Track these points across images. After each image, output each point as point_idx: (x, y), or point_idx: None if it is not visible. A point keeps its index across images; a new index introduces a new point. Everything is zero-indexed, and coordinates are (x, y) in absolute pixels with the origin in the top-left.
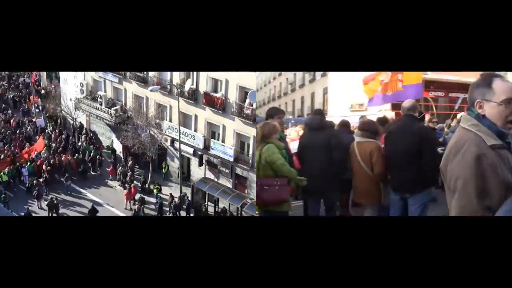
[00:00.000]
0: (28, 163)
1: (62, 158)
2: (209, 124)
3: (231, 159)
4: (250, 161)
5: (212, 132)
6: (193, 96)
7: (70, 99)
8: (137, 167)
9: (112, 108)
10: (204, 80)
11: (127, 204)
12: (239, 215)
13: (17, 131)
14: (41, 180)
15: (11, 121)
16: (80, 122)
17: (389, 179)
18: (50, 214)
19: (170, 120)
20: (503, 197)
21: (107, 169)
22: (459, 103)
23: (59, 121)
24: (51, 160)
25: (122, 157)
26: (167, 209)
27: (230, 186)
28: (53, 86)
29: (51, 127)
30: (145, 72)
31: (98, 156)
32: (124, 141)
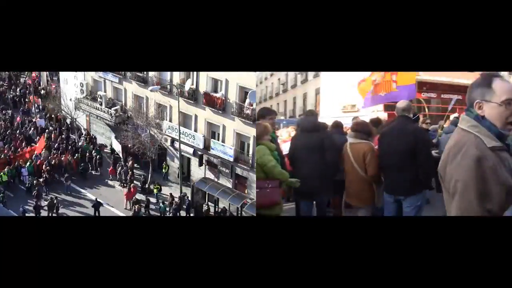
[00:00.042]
0: (28, 163)
1: (62, 158)
2: (209, 124)
3: (231, 159)
4: (250, 161)
5: (212, 132)
6: (193, 96)
7: (70, 99)
8: (137, 167)
9: (112, 108)
10: (204, 80)
11: (127, 204)
12: (239, 215)
13: (17, 131)
14: (41, 180)
15: (18, 118)
16: (71, 122)
17: (382, 180)
18: (50, 214)
19: (170, 120)
20: (503, 200)
21: (108, 169)
22: (452, 104)
23: (61, 120)
24: (51, 160)
25: (122, 157)
26: (168, 209)
27: (230, 186)
28: (53, 86)
29: (51, 127)
30: (145, 72)
31: (98, 156)
32: (124, 141)
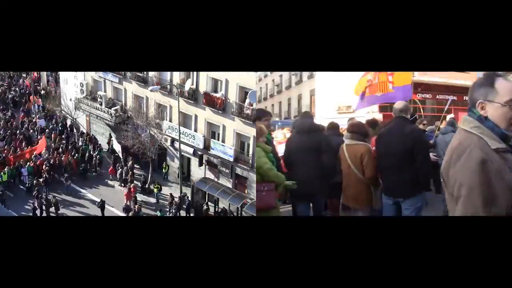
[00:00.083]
0: (28, 163)
1: (62, 158)
2: (209, 124)
3: (231, 159)
4: (250, 161)
5: (212, 132)
6: (193, 96)
7: (70, 99)
8: (137, 167)
9: (112, 108)
10: (204, 80)
11: (128, 204)
12: (239, 215)
13: (17, 131)
14: (41, 180)
15: (20, 117)
16: (71, 123)
17: (380, 182)
18: (49, 210)
19: (170, 120)
20: (510, 203)
21: (108, 168)
22: (448, 105)
23: (61, 120)
24: (51, 160)
25: (122, 157)
26: (167, 208)
27: (230, 186)
28: (53, 86)
29: (51, 127)
30: (145, 72)
31: (98, 156)
32: (124, 141)
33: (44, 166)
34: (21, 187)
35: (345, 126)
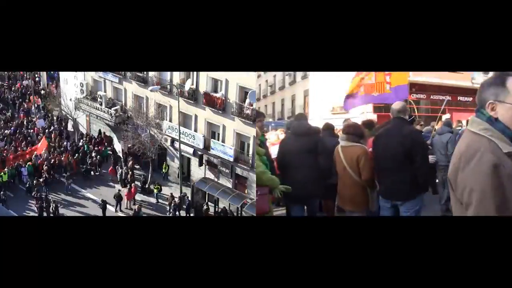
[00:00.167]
0: (27, 163)
1: (62, 158)
2: (209, 124)
3: (231, 159)
4: (250, 161)
5: (212, 132)
6: (193, 96)
7: (70, 99)
8: (137, 167)
9: (112, 108)
10: (204, 80)
11: (127, 204)
12: (239, 215)
13: (17, 131)
14: (41, 180)
15: (21, 116)
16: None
17: (376, 184)
18: (49, 211)
19: (170, 120)
20: None
21: (108, 168)
22: (444, 105)
23: (61, 121)
24: (51, 160)
25: (122, 157)
26: (167, 208)
27: (230, 186)
28: (54, 86)
29: (52, 127)
30: (145, 72)
31: (98, 156)
32: (124, 141)
33: (44, 166)
34: (21, 187)
35: (340, 127)
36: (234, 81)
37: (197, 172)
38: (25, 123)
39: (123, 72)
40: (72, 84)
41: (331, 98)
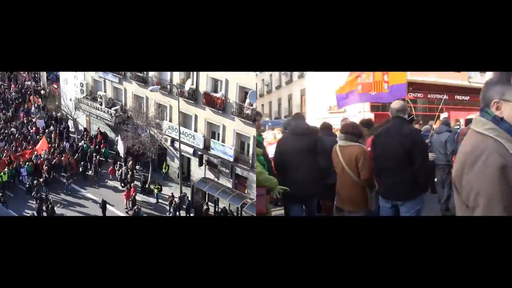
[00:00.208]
0: (27, 163)
1: (62, 158)
2: (209, 124)
3: (231, 159)
4: (250, 161)
5: (212, 132)
6: (193, 96)
7: (70, 99)
8: (137, 167)
9: (112, 108)
10: (204, 80)
11: (127, 204)
12: (239, 215)
13: (17, 131)
14: (41, 180)
15: (22, 116)
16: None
17: (375, 184)
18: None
19: (170, 120)
20: None
21: (109, 168)
22: (442, 104)
23: (61, 120)
24: (52, 160)
25: (122, 157)
26: (168, 208)
27: (230, 186)
28: (55, 86)
29: (52, 127)
30: (145, 72)
31: (97, 156)
32: (124, 141)
33: (44, 166)
34: (21, 187)
35: (338, 126)
36: (234, 81)
37: (197, 172)
38: (25, 121)
39: (123, 72)
40: (72, 84)
41: (328, 97)
